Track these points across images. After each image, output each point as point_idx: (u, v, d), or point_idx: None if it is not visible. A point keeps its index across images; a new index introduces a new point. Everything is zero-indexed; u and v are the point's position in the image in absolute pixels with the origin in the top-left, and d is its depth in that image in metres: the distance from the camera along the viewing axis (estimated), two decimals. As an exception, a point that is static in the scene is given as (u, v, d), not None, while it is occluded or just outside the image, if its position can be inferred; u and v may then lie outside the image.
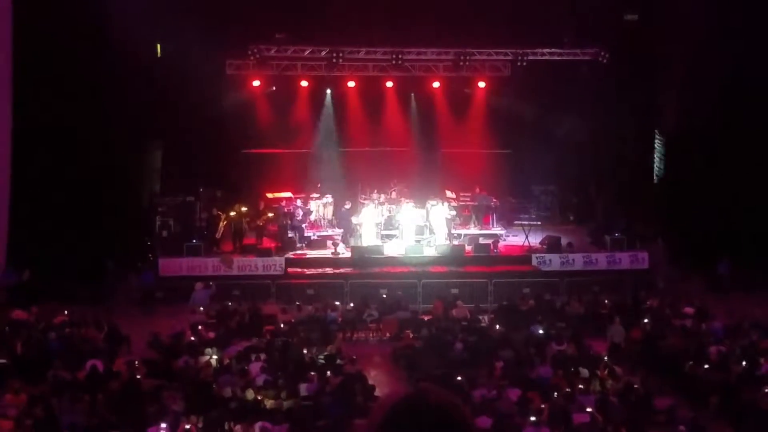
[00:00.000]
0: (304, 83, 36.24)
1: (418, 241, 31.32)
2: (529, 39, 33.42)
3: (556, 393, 18.15)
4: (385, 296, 27.22)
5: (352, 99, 37.02)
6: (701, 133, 30.95)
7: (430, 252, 30.82)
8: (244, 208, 32.63)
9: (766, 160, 29.97)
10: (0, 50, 27.24)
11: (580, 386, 18.64)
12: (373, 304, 26.22)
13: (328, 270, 29.84)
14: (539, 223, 35.34)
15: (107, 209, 29.13)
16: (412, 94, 37.40)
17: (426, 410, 3.03)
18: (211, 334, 23.39)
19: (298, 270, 29.81)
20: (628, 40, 32.94)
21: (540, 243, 31.79)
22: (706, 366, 20.11)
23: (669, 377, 20.60)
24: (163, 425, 15.90)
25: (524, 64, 33.86)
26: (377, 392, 18.80)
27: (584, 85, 34.48)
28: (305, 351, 21.83)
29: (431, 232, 31.86)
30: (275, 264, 29.48)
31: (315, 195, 34.19)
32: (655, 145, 33.89)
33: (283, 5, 31.65)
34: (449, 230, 31.92)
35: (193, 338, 22.79)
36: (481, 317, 25.49)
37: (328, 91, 36.91)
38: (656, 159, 33.74)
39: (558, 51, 33.82)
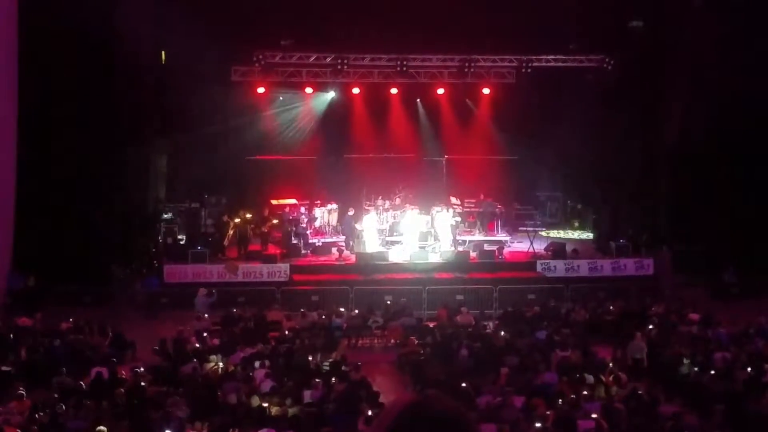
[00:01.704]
0: (309, 90, 36.28)
1: (423, 248, 31.29)
2: (534, 45, 33.46)
3: (561, 399, 18.12)
4: (389, 303, 27.18)
5: (357, 105, 37.07)
6: (707, 139, 30.89)
7: (434, 258, 30.81)
8: (248, 215, 32.71)
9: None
10: (5, 56, 27.29)
11: (585, 393, 18.60)
12: (377, 311, 26.20)
13: (333, 276, 29.83)
14: (544, 229, 35.33)
15: (112, 215, 29.19)
16: (418, 100, 37.42)
17: (432, 418, 3.03)
18: (216, 341, 23.38)
19: (303, 276, 29.80)
20: (634, 46, 32.93)
21: (545, 249, 31.78)
22: (712, 372, 20.07)
23: (674, 384, 20.55)
24: (168, 431, 15.90)
25: (529, 70, 33.94)
26: (382, 399, 18.76)
27: (589, 91, 34.48)
28: (310, 357, 21.83)
29: (436, 238, 31.85)
30: (280, 270, 29.47)
31: (319, 201, 34.21)
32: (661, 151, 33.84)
33: (288, 12, 31.65)
34: (454, 237, 31.91)
35: (198, 345, 22.78)
36: (486, 324, 25.46)
37: (331, 95, 36.90)
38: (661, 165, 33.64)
39: (563, 57, 33.89)
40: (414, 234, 31.59)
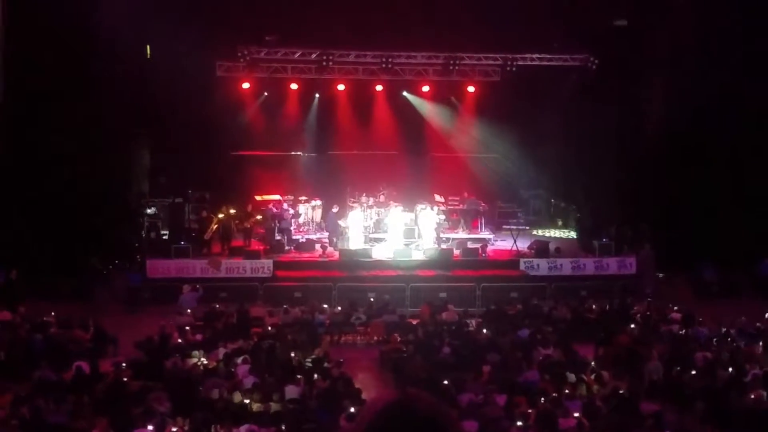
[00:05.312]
0: (293, 86, 36.20)
1: (407, 245, 31.29)
2: (519, 44, 33.50)
3: (542, 398, 18.14)
4: (372, 299, 27.19)
5: (342, 102, 37.04)
6: (689, 139, 30.98)
7: (418, 256, 30.80)
8: (232, 210, 32.63)
9: (752, 165, 30.10)
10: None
11: (567, 391, 18.63)
12: (360, 308, 26.20)
13: (316, 273, 29.79)
14: (527, 227, 35.36)
15: (95, 209, 29.03)
16: (405, 93, 37.34)
17: (412, 415, 3.03)
18: (198, 337, 23.31)
19: (286, 272, 29.75)
20: (618, 45, 32.98)
21: (528, 247, 31.80)
22: (693, 372, 20.12)
23: (656, 382, 20.59)
24: (150, 427, 15.84)
25: (514, 69, 33.99)
26: (364, 396, 18.75)
27: (574, 90, 34.51)
28: (292, 354, 21.78)
29: (419, 235, 31.86)
30: (263, 266, 29.41)
31: (303, 198, 34.18)
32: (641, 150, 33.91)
33: (273, 8, 31.58)
34: (437, 234, 31.94)
35: (180, 340, 22.71)
36: (468, 321, 25.47)
37: (317, 95, 36.88)
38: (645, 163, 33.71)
39: (547, 56, 33.94)
40: (398, 231, 31.60)
